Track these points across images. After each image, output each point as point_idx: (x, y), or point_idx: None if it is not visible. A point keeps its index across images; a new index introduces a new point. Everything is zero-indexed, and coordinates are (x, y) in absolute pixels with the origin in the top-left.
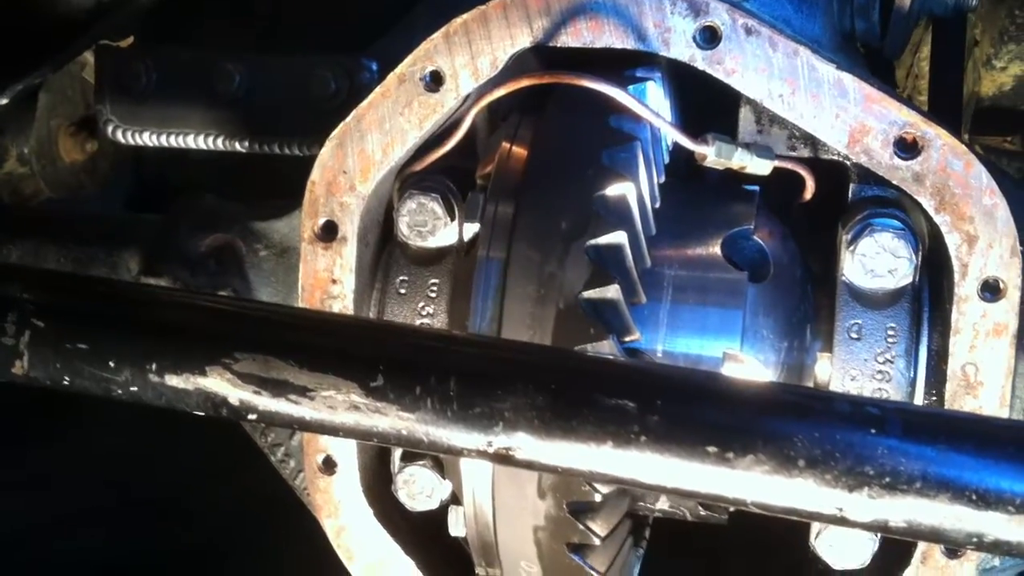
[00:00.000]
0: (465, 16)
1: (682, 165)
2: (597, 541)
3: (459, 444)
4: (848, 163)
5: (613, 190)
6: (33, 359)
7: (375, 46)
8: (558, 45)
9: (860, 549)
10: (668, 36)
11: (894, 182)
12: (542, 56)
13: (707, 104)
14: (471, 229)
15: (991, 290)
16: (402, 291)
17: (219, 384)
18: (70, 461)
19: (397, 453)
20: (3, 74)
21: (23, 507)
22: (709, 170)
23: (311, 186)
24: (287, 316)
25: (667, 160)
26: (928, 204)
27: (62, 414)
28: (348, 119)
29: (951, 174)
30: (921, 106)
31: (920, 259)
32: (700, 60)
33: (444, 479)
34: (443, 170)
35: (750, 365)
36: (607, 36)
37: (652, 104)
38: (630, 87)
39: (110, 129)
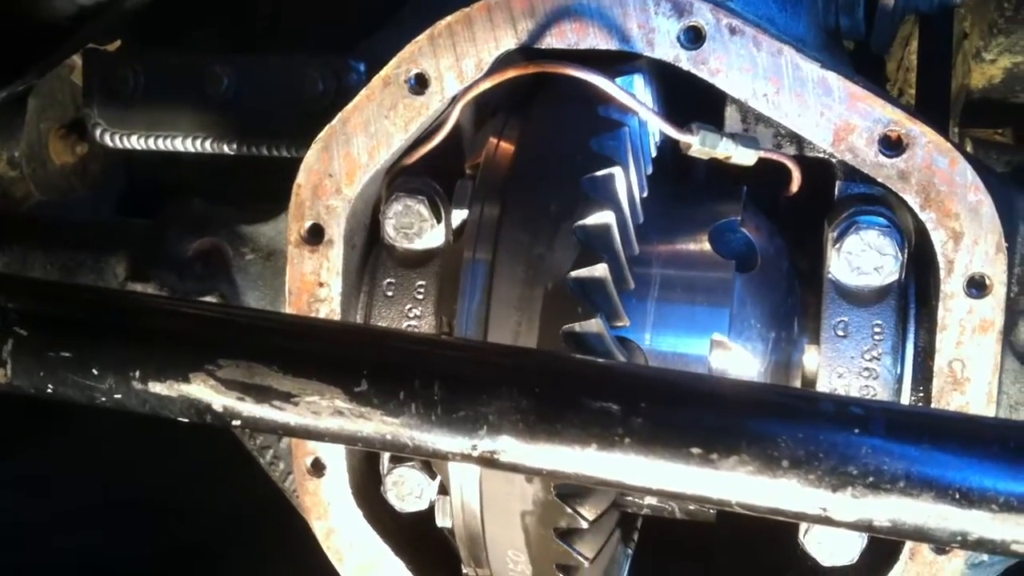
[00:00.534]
0: (449, 18)
1: (669, 161)
2: (585, 524)
3: (444, 448)
4: (834, 160)
5: (602, 172)
6: (16, 367)
7: (363, 46)
8: (543, 47)
9: (849, 546)
10: (652, 37)
11: (879, 180)
12: (528, 58)
13: (693, 104)
14: (460, 215)
15: (977, 286)
16: (389, 293)
17: (203, 391)
18: (66, 461)
19: (386, 455)
20: None
21: (21, 507)
22: (696, 167)
23: (297, 189)
24: (270, 322)
25: (654, 153)
26: (913, 201)
27: (58, 415)
28: (334, 122)
29: (936, 171)
30: (911, 99)
31: (906, 256)
32: (685, 60)
33: (433, 480)
34: (429, 171)
35: (737, 353)
36: (591, 37)
37: (638, 97)
38: (617, 79)
39: (98, 133)
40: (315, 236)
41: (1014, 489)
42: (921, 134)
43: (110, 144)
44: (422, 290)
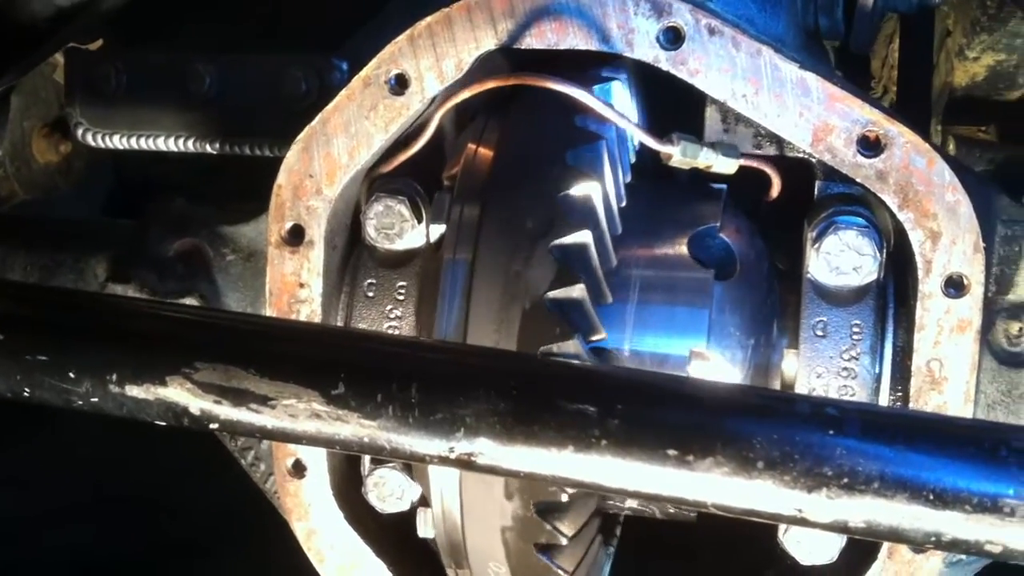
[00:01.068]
0: (429, 18)
1: (649, 165)
2: (564, 541)
3: (421, 451)
4: (813, 160)
5: (578, 190)
6: None
7: (346, 46)
8: (523, 47)
9: (827, 545)
10: (632, 37)
11: (858, 180)
12: (509, 57)
13: (675, 103)
14: (437, 230)
15: (955, 286)
16: (370, 294)
17: (180, 394)
18: (55, 458)
19: (367, 456)
20: None
21: (10, 504)
22: (678, 169)
23: (277, 190)
24: (248, 324)
25: (633, 160)
26: (892, 201)
27: (47, 412)
28: (314, 122)
29: (914, 171)
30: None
31: (884, 256)
32: (664, 61)
33: (413, 481)
34: (410, 172)
35: (716, 363)
36: (571, 38)
37: (618, 104)
38: (595, 87)
39: (80, 132)
40: (295, 237)
41: (987, 490)
42: (899, 134)
43: (92, 143)
44: (403, 291)
